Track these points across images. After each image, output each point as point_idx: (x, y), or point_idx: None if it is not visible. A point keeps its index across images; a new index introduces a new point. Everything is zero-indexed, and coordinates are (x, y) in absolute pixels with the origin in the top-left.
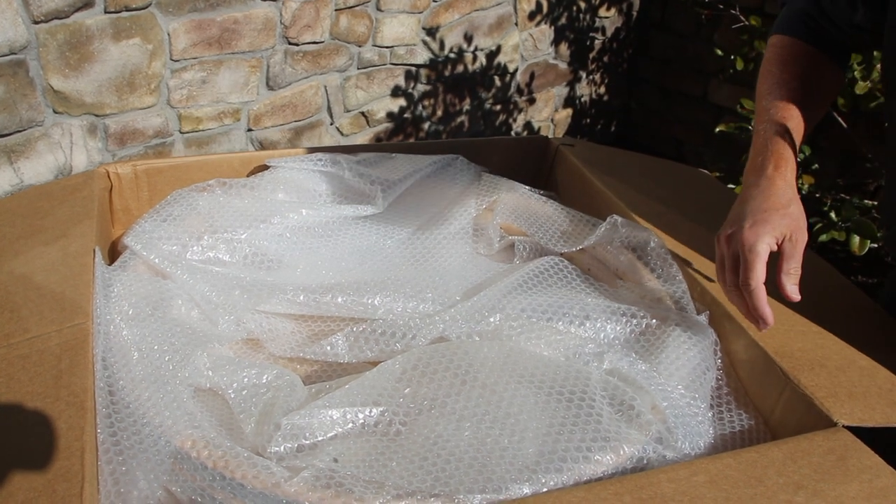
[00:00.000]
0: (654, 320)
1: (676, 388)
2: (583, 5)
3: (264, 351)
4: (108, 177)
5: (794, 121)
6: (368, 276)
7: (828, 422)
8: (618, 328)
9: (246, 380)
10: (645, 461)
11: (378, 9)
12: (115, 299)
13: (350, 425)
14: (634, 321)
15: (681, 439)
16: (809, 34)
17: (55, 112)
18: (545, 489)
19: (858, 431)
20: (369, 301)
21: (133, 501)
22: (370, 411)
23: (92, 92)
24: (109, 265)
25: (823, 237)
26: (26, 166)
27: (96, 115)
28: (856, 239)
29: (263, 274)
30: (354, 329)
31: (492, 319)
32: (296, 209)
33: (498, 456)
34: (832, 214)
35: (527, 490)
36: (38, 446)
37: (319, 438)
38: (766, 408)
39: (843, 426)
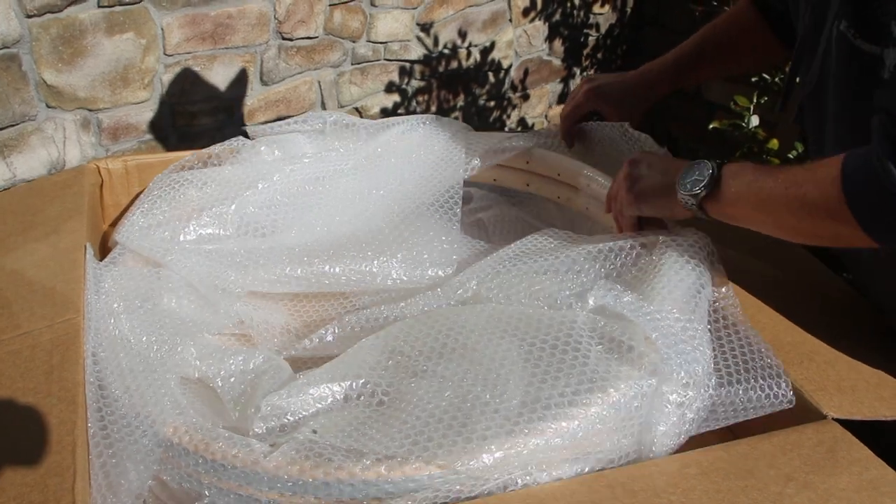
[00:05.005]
0: (645, 247)
1: (670, 313)
2: (577, 2)
3: (257, 346)
4: (99, 172)
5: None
6: (363, 230)
7: (817, 415)
8: (607, 265)
9: (233, 367)
10: (638, 402)
11: (372, 4)
12: (105, 294)
13: (331, 400)
14: (623, 254)
15: (676, 369)
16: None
17: (48, 106)
18: (529, 438)
19: (852, 426)
20: (367, 268)
21: (123, 493)
22: (352, 384)
23: (85, 86)
24: (101, 261)
25: None
26: (19, 161)
27: (89, 110)
28: None
29: (258, 243)
30: (344, 321)
31: (470, 285)
32: (280, 168)
33: (479, 412)
34: None
35: (506, 443)
36: (29, 441)
37: (302, 415)
38: None
39: (833, 419)
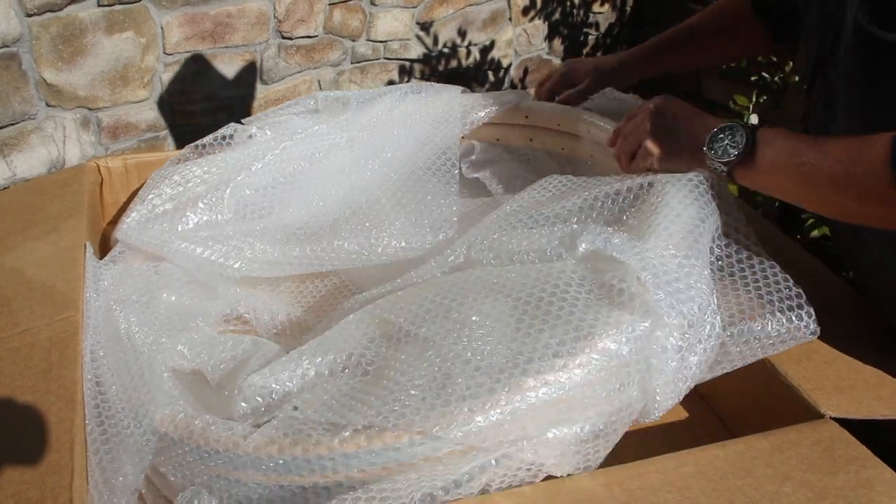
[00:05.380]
0: (643, 188)
1: (664, 250)
2: (576, 1)
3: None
4: (99, 171)
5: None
6: (361, 202)
7: (815, 413)
8: (605, 212)
9: (223, 354)
10: (631, 346)
11: (372, 3)
12: (104, 293)
13: (315, 374)
14: (621, 199)
15: (668, 310)
16: None
17: (48, 105)
18: (511, 395)
19: (851, 426)
20: (366, 240)
21: (119, 489)
22: (336, 358)
23: (85, 85)
24: (101, 259)
25: (815, 232)
26: (19, 159)
27: (89, 109)
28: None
29: (256, 225)
30: (346, 305)
31: (461, 251)
32: (273, 147)
33: (459, 371)
34: None
35: (488, 402)
36: (28, 439)
37: (285, 393)
38: (753, 399)
39: (831, 418)
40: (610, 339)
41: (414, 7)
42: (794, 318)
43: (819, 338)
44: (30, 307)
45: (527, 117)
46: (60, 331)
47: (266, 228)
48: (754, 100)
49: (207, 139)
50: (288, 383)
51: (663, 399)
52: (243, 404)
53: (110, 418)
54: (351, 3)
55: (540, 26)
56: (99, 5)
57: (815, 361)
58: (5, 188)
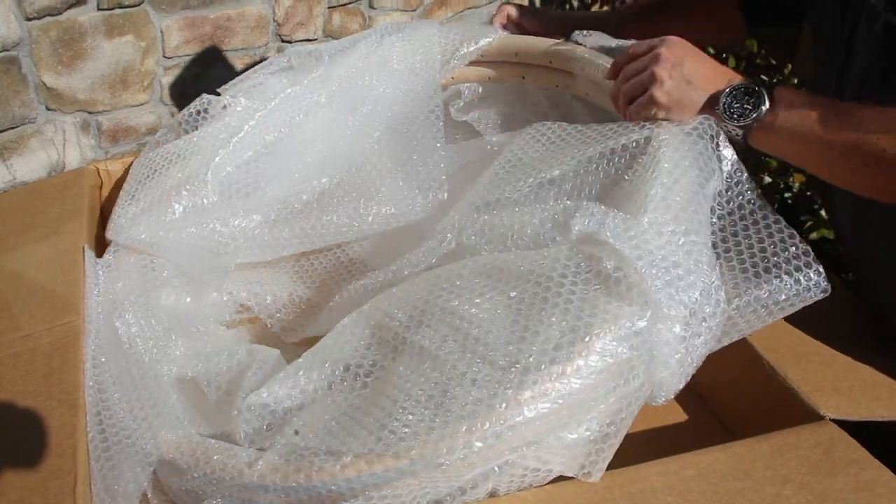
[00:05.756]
0: (638, 145)
1: (663, 228)
2: (575, 4)
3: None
4: (99, 174)
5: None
6: (345, 168)
7: (814, 415)
8: (600, 175)
9: (218, 366)
10: (632, 342)
11: (371, 6)
12: (102, 296)
13: (314, 389)
14: (616, 159)
15: (668, 301)
16: None
17: (48, 109)
18: (508, 412)
19: (850, 427)
20: (355, 211)
21: (120, 495)
22: (334, 371)
23: (85, 89)
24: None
25: (814, 235)
26: (19, 163)
27: (89, 112)
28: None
29: (241, 204)
30: (351, 289)
31: (451, 236)
32: (247, 118)
33: (457, 385)
34: (822, 212)
35: (486, 422)
36: (30, 444)
37: (285, 411)
38: (753, 401)
39: (830, 420)
40: (609, 337)
41: (413, 10)
42: (802, 279)
43: (818, 340)
44: (30, 311)
45: (517, 54)
46: (61, 335)
47: (253, 208)
48: None
49: (182, 115)
50: (287, 402)
51: (669, 386)
52: (244, 426)
53: (112, 426)
54: (350, 6)
55: None
56: (99, 9)
57: (814, 363)
58: (5, 191)
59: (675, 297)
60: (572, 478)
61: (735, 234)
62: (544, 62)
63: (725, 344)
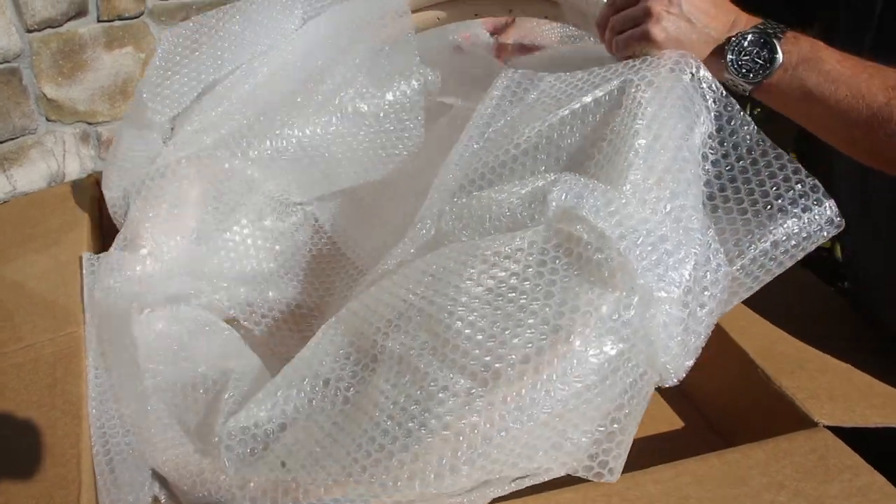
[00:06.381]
0: (613, 94)
1: (647, 195)
2: None
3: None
4: (99, 185)
5: None
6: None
7: (809, 422)
8: (577, 136)
9: (195, 390)
10: (618, 339)
11: None
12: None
13: (293, 407)
14: (590, 116)
15: (655, 283)
16: None
17: (48, 120)
18: (492, 430)
19: (843, 434)
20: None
21: None
22: (314, 387)
23: (85, 100)
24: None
25: None
26: (19, 174)
27: (89, 123)
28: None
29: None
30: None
31: (431, 224)
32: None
33: (435, 398)
34: None
35: (458, 448)
36: (34, 454)
37: (267, 433)
38: (747, 408)
39: (824, 426)
40: (594, 333)
41: None
42: (810, 218)
43: (814, 347)
44: (32, 321)
45: None
46: (64, 346)
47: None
48: (748, 111)
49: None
50: (268, 424)
51: (677, 367)
52: (227, 454)
53: (115, 437)
54: None
55: None
56: (98, 21)
57: (809, 371)
58: (5, 202)
59: (666, 277)
60: (574, 482)
61: (733, 180)
62: None
63: (735, 304)
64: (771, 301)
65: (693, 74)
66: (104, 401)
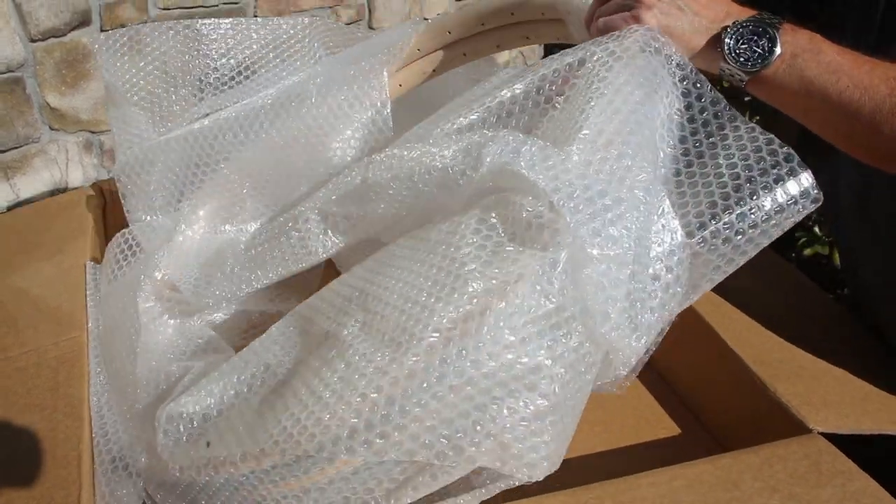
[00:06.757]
0: (573, 66)
1: (592, 155)
2: None
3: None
4: (102, 193)
5: None
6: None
7: (803, 428)
8: (528, 106)
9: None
10: (543, 303)
11: (370, 27)
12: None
13: (234, 393)
14: (547, 85)
15: (589, 238)
16: None
17: (51, 129)
18: (408, 401)
19: (838, 439)
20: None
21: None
22: (255, 372)
23: (88, 109)
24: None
25: (808, 251)
26: (22, 182)
27: (92, 132)
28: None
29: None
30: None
31: (353, 173)
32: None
33: (345, 368)
34: (816, 229)
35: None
36: (36, 455)
37: (205, 417)
38: (743, 415)
39: (818, 432)
40: (516, 292)
41: None
42: (784, 191)
43: (810, 353)
44: (36, 327)
45: (512, 14)
46: (67, 350)
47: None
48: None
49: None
50: (206, 410)
51: (625, 346)
52: (163, 438)
53: (117, 440)
54: (349, 26)
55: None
56: (102, 31)
57: (804, 378)
58: (10, 210)
59: (603, 232)
60: (558, 488)
61: (700, 156)
62: (536, 16)
63: (707, 289)
64: (768, 307)
65: (658, 49)
66: (105, 404)
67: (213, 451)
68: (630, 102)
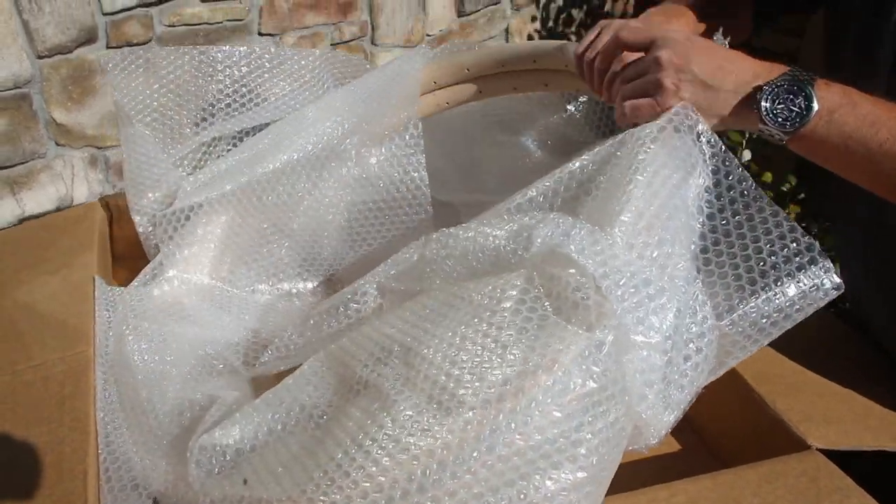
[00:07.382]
0: (614, 145)
1: (635, 239)
2: (573, 37)
3: None
4: (108, 208)
5: None
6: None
7: (802, 445)
8: (573, 185)
9: (182, 405)
10: (587, 383)
11: (373, 43)
12: (114, 323)
13: (267, 430)
14: (589, 165)
15: (633, 326)
16: None
17: (57, 144)
18: (454, 465)
19: (837, 454)
20: None
21: None
22: (290, 411)
23: (93, 125)
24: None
25: None
26: (28, 197)
27: (97, 148)
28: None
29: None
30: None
31: (410, 250)
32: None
33: (390, 423)
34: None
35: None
36: (42, 469)
37: (237, 452)
38: (744, 431)
39: (817, 449)
40: (562, 369)
41: (413, 46)
42: (807, 278)
43: (811, 370)
44: (43, 341)
45: (534, 61)
46: (73, 364)
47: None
48: (747, 135)
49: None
50: (239, 444)
51: (657, 422)
52: (195, 469)
53: (124, 454)
54: (352, 43)
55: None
56: (108, 47)
57: (805, 393)
58: (17, 225)
59: (646, 321)
60: None
61: (728, 234)
62: (559, 66)
63: (730, 367)
64: None
65: (690, 128)
66: (112, 419)
67: (252, 490)
68: (668, 186)
